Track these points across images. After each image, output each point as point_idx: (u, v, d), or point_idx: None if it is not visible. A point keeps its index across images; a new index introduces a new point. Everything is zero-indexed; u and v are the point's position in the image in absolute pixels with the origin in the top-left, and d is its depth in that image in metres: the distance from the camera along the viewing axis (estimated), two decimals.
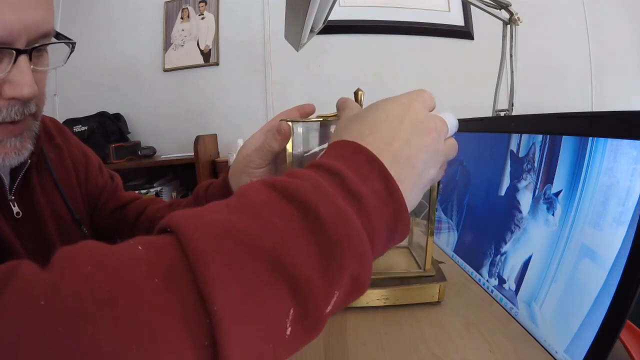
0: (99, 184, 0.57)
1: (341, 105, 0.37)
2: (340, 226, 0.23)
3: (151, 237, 0.21)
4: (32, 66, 0.35)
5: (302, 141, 0.51)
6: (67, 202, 0.48)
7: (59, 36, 0.39)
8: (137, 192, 1.00)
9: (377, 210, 0.25)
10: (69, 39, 0.40)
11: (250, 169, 0.46)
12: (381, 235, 0.26)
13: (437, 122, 0.31)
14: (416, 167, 0.29)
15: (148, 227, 0.56)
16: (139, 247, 0.21)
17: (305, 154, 0.49)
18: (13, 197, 0.41)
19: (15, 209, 0.41)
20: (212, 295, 0.18)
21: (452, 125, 0.33)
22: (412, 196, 0.28)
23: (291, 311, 0.20)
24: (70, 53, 0.41)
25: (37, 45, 0.35)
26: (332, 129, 0.48)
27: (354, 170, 0.26)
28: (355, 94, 0.48)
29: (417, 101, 0.32)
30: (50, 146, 0.49)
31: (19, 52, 0.33)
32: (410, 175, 0.28)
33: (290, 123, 0.45)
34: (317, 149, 0.49)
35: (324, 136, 0.51)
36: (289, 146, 0.46)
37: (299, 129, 0.50)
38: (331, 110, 0.48)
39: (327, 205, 0.23)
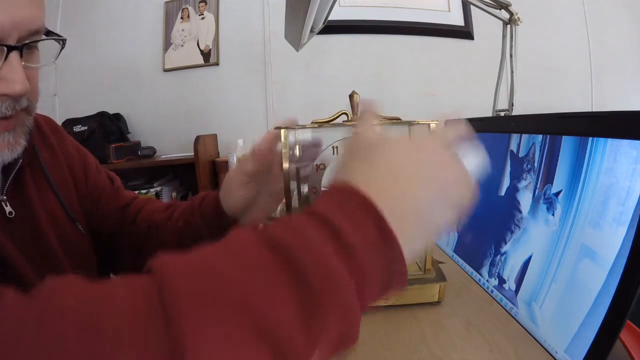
0: (99, 184, 0.57)
1: (361, 114, 0.36)
2: (326, 283, 0.22)
3: (133, 276, 0.22)
4: (23, 63, 0.35)
5: (297, 148, 0.51)
6: (61, 201, 0.47)
7: (49, 33, 0.39)
8: (136, 192, 1.00)
9: (370, 262, 0.24)
10: (60, 36, 0.40)
11: (233, 190, 0.49)
12: (373, 287, 0.25)
13: (452, 167, 0.29)
14: (421, 215, 0.27)
15: (146, 228, 0.56)
16: (120, 287, 0.21)
17: (301, 166, 0.49)
18: (5, 197, 0.40)
19: (8, 208, 0.40)
20: (184, 344, 0.18)
21: (474, 166, 0.29)
22: (414, 246, 0.26)
23: None
24: (61, 50, 0.41)
25: (27, 42, 0.35)
26: (332, 131, 0.48)
27: (349, 219, 0.25)
28: (351, 97, 0.48)
29: (433, 141, 0.30)
30: (44, 145, 0.49)
31: (10, 48, 0.33)
32: (413, 224, 0.27)
33: (283, 130, 0.45)
34: (313, 163, 0.49)
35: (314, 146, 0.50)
36: (284, 152, 0.46)
37: (293, 136, 0.50)
38: (330, 110, 0.48)
39: (314, 261, 0.22)
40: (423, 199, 0.27)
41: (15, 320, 0.19)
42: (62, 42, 0.41)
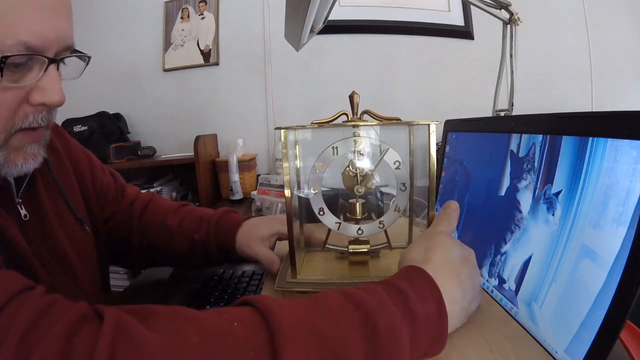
0: (105, 184, 0.59)
1: (442, 210, 0.45)
2: (390, 340, 0.29)
3: (240, 313, 0.29)
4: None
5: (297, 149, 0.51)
6: (68, 203, 0.49)
7: (77, 53, 0.41)
8: None
9: (425, 331, 0.32)
10: (84, 53, 0.42)
11: (252, 245, 0.57)
12: (421, 349, 0.32)
13: (474, 265, 0.41)
14: (464, 301, 0.37)
15: (157, 228, 0.60)
16: (234, 324, 0.28)
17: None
18: (20, 200, 0.41)
19: (23, 211, 0.41)
20: None
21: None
22: (453, 325, 0.36)
23: None
24: (85, 66, 0.43)
25: (63, 56, 0.37)
26: (332, 131, 0.48)
27: (417, 293, 0.33)
28: (351, 97, 0.48)
29: (472, 255, 0.41)
30: (50, 150, 0.50)
31: (50, 60, 0.34)
32: (458, 308, 0.36)
33: (283, 130, 0.45)
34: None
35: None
36: (283, 152, 0.46)
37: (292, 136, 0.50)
38: (330, 110, 0.48)
39: (385, 320, 0.30)
40: (469, 289, 0.38)
41: (140, 353, 0.24)
42: (88, 58, 0.43)
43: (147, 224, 0.60)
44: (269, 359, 0.26)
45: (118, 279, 1.35)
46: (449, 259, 0.38)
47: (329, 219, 0.50)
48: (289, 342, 0.26)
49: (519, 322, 0.41)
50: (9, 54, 0.31)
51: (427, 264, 0.37)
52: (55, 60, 0.35)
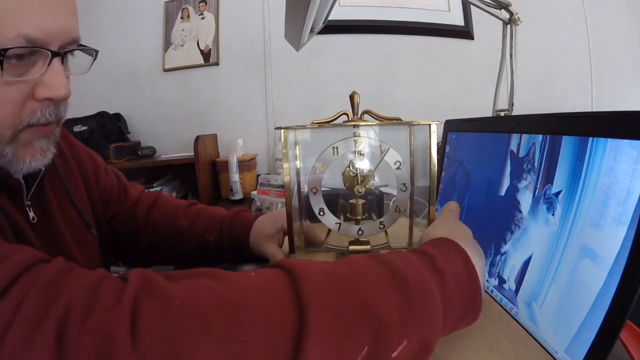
0: (109, 184, 0.59)
1: (443, 208, 0.46)
2: (421, 291, 0.29)
3: (262, 270, 0.29)
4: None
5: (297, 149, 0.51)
6: (76, 206, 0.49)
7: (83, 46, 0.40)
8: None
9: (457, 289, 0.32)
10: (91, 47, 0.42)
11: (264, 237, 0.58)
12: (456, 310, 0.32)
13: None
14: (482, 261, 0.37)
15: (166, 226, 0.60)
16: (253, 274, 0.28)
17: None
18: (29, 203, 0.41)
19: (31, 214, 0.41)
20: (308, 314, 0.25)
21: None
22: (483, 283, 0.36)
23: (365, 348, 0.25)
24: (94, 61, 0.43)
25: (68, 50, 0.36)
26: (332, 131, 0.48)
27: (443, 255, 0.33)
28: (351, 97, 0.48)
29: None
30: (57, 154, 0.50)
31: (54, 54, 0.34)
32: (482, 267, 0.36)
33: (283, 130, 0.45)
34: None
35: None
36: (283, 152, 0.46)
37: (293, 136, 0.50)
38: (330, 110, 0.48)
39: (413, 274, 0.29)
40: (479, 252, 0.38)
41: (163, 298, 0.24)
42: (95, 52, 0.42)
43: (156, 223, 0.60)
44: (292, 300, 0.25)
45: None
46: (469, 235, 0.40)
47: (329, 219, 0.50)
48: (312, 285, 0.26)
49: (519, 322, 0.41)
50: (9, 47, 0.30)
51: (450, 236, 0.37)
52: (59, 54, 0.35)
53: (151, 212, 0.61)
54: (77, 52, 0.39)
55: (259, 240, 0.57)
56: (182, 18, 1.66)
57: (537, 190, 0.42)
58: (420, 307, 0.28)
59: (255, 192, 1.08)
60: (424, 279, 0.30)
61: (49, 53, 0.33)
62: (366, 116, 0.48)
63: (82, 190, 0.52)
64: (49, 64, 0.34)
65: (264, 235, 0.57)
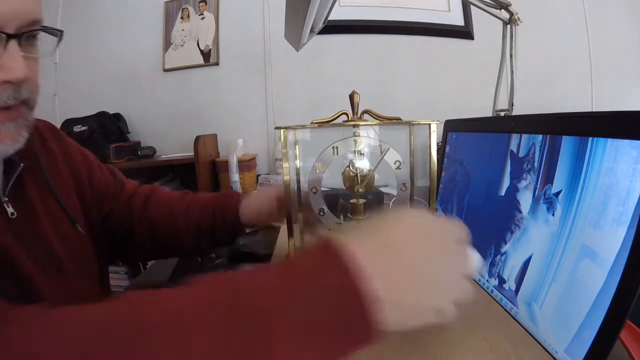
0: (103, 181, 0.59)
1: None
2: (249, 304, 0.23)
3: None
4: (22, 53, 0.35)
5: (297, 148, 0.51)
6: (61, 204, 0.48)
7: (45, 27, 0.39)
8: None
9: (319, 310, 0.23)
10: (57, 29, 0.41)
11: (259, 212, 0.60)
12: (322, 336, 0.23)
13: (462, 258, 0.29)
14: (419, 287, 0.27)
15: (164, 222, 0.60)
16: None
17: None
18: (7, 199, 0.41)
19: (10, 209, 0.41)
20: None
21: (477, 264, 0.31)
22: (404, 314, 0.26)
23: None
24: (59, 41, 0.42)
25: (26, 31, 0.36)
26: (332, 131, 0.48)
27: (308, 261, 0.26)
28: (351, 97, 0.48)
29: (448, 232, 0.31)
30: (44, 150, 0.50)
31: (9, 36, 0.34)
32: (408, 291, 0.26)
33: (283, 130, 0.45)
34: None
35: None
36: (283, 152, 0.46)
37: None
38: (330, 110, 0.48)
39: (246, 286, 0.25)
40: (423, 273, 0.27)
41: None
42: (60, 33, 0.41)
43: (152, 217, 0.60)
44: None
45: (118, 279, 1.35)
46: (397, 232, 0.28)
47: (329, 220, 0.50)
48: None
49: (519, 322, 0.41)
50: None
51: (352, 240, 0.27)
52: (16, 36, 0.34)
53: (147, 206, 0.61)
54: (43, 35, 0.39)
55: (250, 216, 0.59)
56: (182, 18, 1.66)
57: (537, 190, 0.42)
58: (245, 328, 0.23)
59: (255, 192, 1.08)
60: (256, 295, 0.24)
61: (5, 36, 0.33)
62: (366, 116, 0.48)
63: (71, 187, 0.52)
64: (4, 47, 0.33)
65: (254, 210, 0.59)
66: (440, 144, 0.73)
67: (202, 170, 1.40)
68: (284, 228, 0.76)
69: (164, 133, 1.68)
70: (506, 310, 0.43)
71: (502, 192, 0.49)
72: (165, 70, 1.67)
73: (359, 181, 0.50)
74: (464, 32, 1.65)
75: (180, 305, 0.25)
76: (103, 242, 0.57)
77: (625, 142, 0.30)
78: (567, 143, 0.38)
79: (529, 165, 0.44)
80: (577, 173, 0.36)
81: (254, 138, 1.65)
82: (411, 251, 0.27)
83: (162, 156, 1.56)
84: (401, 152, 0.49)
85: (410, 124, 0.49)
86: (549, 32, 1.67)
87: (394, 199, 0.50)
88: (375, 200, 0.58)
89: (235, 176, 1.38)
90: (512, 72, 0.85)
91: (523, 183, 0.45)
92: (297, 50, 0.71)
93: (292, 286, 0.24)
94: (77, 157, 0.55)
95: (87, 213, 0.54)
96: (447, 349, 0.37)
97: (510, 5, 0.79)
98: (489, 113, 0.96)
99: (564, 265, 0.36)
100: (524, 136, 0.46)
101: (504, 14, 0.81)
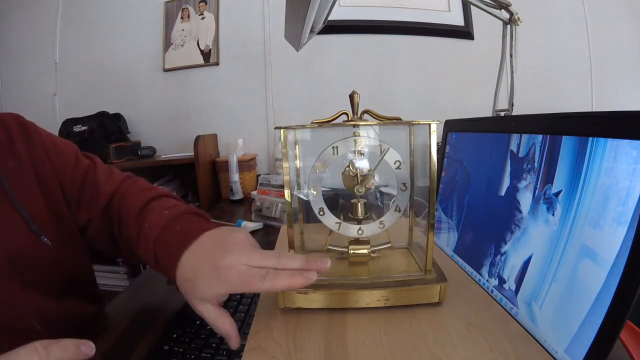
0: (77, 181, 0.54)
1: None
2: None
3: None
4: None
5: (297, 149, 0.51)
6: (22, 213, 0.45)
7: None
8: None
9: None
10: None
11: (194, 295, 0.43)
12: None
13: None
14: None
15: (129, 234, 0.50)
16: None
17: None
18: None
19: None
20: None
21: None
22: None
23: None
24: None
25: None
26: (332, 131, 0.48)
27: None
28: (351, 97, 0.48)
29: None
30: (10, 154, 0.47)
31: None
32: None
33: (283, 130, 0.45)
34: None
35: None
36: (283, 152, 0.46)
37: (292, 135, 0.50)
38: (330, 110, 0.48)
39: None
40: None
41: None
42: None
43: (123, 227, 0.52)
44: None
45: (118, 279, 1.35)
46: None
47: (329, 220, 0.50)
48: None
49: (519, 322, 0.41)
50: None
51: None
52: None
53: (119, 215, 0.52)
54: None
55: (187, 294, 0.41)
56: (182, 18, 1.66)
57: (537, 190, 0.42)
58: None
59: (255, 192, 1.08)
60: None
61: None
62: (366, 116, 0.48)
63: (36, 195, 0.48)
64: None
65: (194, 291, 0.39)
66: (440, 144, 0.73)
67: (202, 170, 1.40)
68: (284, 228, 0.76)
69: (164, 133, 1.68)
70: (506, 310, 0.43)
71: (502, 192, 0.49)
72: (165, 70, 1.67)
73: (359, 181, 0.50)
74: (464, 32, 1.65)
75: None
76: (84, 249, 0.54)
77: (625, 142, 0.30)
78: (567, 143, 0.38)
79: (529, 165, 0.44)
80: (577, 173, 0.36)
81: (254, 138, 1.65)
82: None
83: (162, 156, 1.56)
84: (401, 152, 0.49)
85: (410, 124, 0.49)
86: (549, 32, 1.67)
87: (394, 199, 0.50)
88: (375, 200, 0.58)
89: (235, 176, 1.38)
90: (512, 72, 0.85)
91: (523, 183, 0.45)
92: (297, 50, 0.71)
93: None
94: (44, 162, 0.51)
95: (60, 221, 0.50)
96: (447, 349, 0.37)
97: (510, 5, 0.79)
98: (489, 113, 0.97)
99: (564, 265, 0.36)
100: (524, 136, 0.46)
101: (504, 14, 0.81)
